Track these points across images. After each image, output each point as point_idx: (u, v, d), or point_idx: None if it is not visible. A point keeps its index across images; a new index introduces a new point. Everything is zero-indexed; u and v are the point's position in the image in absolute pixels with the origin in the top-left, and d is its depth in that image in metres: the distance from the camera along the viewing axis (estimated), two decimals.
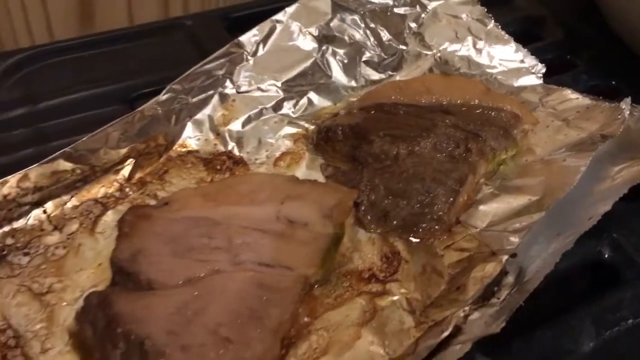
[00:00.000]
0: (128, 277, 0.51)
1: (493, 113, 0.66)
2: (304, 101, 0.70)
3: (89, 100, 0.69)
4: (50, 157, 0.56)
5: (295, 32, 0.71)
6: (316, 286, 0.54)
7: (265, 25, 0.70)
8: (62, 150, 0.57)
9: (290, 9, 0.71)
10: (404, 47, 0.76)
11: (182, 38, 0.78)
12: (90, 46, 0.75)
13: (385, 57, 0.75)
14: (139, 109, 0.62)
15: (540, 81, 0.75)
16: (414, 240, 0.58)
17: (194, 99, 0.65)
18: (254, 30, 0.69)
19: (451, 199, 0.59)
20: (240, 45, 0.69)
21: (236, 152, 0.65)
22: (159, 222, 0.54)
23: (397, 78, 0.74)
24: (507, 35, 0.77)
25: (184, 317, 0.48)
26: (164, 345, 0.46)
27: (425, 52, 0.76)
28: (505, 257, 0.54)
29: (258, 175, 0.62)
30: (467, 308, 0.51)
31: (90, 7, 0.95)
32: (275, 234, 0.55)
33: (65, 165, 0.57)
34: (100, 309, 0.48)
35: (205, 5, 1.01)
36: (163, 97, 0.63)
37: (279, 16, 0.71)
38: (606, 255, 0.59)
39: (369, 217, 0.59)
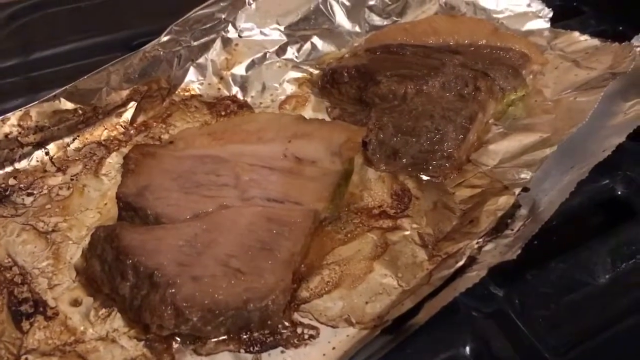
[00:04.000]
0: (135, 212, 0.50)
1: (501, 53, 0.65)
2: (307, 46, 0.69)
3: (89, 47, 0.68)
4: (51, 94, 0.55)
5: None
6: (326, 223, 0.53)
7: None
8: (63, 88, 0.56)
9: None
10: None
11: None
12: None
13: (390, 2, 0.74)
14: (141, 49, 0.60)
15: (548, 25, 0.74)
16: (424, 177, 0.58)
17: (196, 43, 0.64)
18: None
19: (461, 136, 0.58)
20: None
21: (240, 96, 0.64)
22: (165, 159, 0.53)
23: None
24: None
25: (193, 249, 0.47)
26: (174, 276, 0.45)
27: None
28: (517, 190, 0.54)
29: (265, 114, 0.61)
30: (480, 240, 0.51)
31: None
32: (283, 170, 0.54)
33: (67, 104, 0.56)
34: (108, 243, 0.47)
35: None
36: (164, 38, 0.62)
37: None
38: (619, 192, 0.58)
39: (377, 156, 0.58)
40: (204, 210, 0.50)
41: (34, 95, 0.61)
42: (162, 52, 0.61)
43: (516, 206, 0.54)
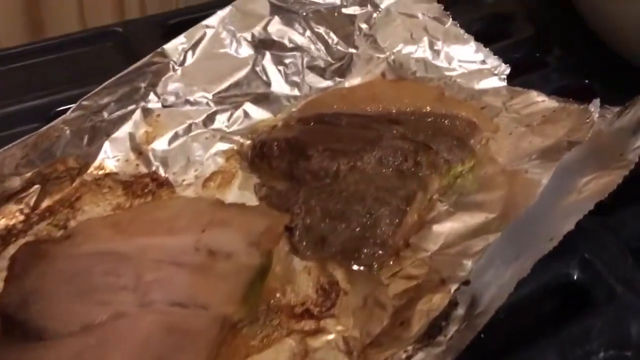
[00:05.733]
0: (17, 325, 0.44)
1: (446, 121, 0.60)
2: (239, 113, 0.63)
3: (3, 118, 0.63)
4: None
5: (227, 38, 0.64)
6: (241, 326, 0.48)
7: (195, 32, 0.64)
8: None
9: (222, 12, 0.65)
10: (353, 51, 0.69)
11: (113, 48, 0.72)
12: (9, 59, 0.69)
13: (333, 61, 0.68)
14: (41, 130, 0.55)
15: (504, 83, 0.68)
16: (355, 268, 0.52)
17: (112, 116, 0.58)
18: (181, 37, 0.63)
19: (397, 220, 0.53)
20: (164, 55, 0.62)
21: (161, 172, 0.58)
22: (58, 259, 0.48)
23: (346, 84, 0.68)
24: (466, 34, 0.71)
25: None
26: None
27: (377, 55, 0.70)
28: (455, 286, 0.48)
29: (178, 199, 0.55)
30: (409, 348, 0.45)
31: (37, 15, 0.90)
32: (192, 267, 0.48)
33: None
34: None
35: (165, 8, 0.95)
36: (71, 115, 0.56)
37: (210, 21, 0.64)
38: (575, 277, 0.53)
39: (304, 243, 0.53)
40: (96, 320, 0.44)
41: None
42: (68, 131, 0.56)
43: (453, 304, 0.48)
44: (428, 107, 0.60)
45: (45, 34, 0.91)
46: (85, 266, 0.47)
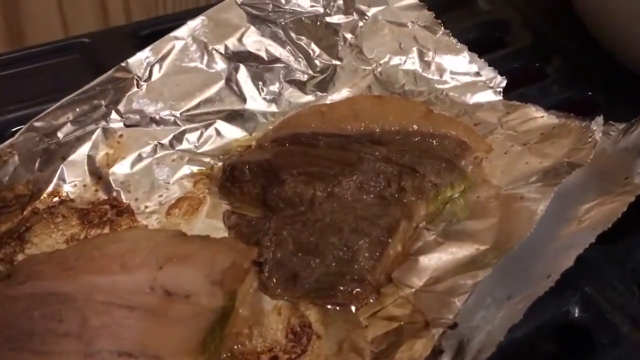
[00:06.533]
0: None
1: (434, 141, 0.55)
2: (210, 132, 0.58)
3: None
4: None
5: (198, 51, 0.60)
6: None
7: (162, 44, 0.59)
8: None
9: (192, 23, 0.60)
10: (337, 62, 0.64)
11: (80, 61, 0.67)
12: None
13: (315, 75, 0.63)
14: None
15: (500, 97, 0.63)
16: (330, 307, 0.47)
17: (68, 137, 0.54)
18: (147, 51, 0.58)
19: (377, 253, 0.48)
20: (128, 69, 0.57)
21: (122, 199, 0.53)
22: None
23: (329, 99, 0.63)
24: (459, 44, 0.66)
25: None
26: None
27: (363, 67, 0.65)
28: (439, 331, 0.43)
29: (135, 231, 0.50)
30: None
31: (17, 22, 0.85)
32: (145, 310, 0.43)
33: None
34: None
35: (151, 14, 0.91)
36: (20, 137, 0.51)
37: (179, 32, 0.60)
38: (575, 315, 0.48)
39: (274, 280, 0.48)
40: None
41: None
42: (17, 155, 0.51)
43: (437, 352, 0.43)
44: (414, 126, 0.56)
45: (27, 42, 0.87)
46: (24, 309, 0.43)
